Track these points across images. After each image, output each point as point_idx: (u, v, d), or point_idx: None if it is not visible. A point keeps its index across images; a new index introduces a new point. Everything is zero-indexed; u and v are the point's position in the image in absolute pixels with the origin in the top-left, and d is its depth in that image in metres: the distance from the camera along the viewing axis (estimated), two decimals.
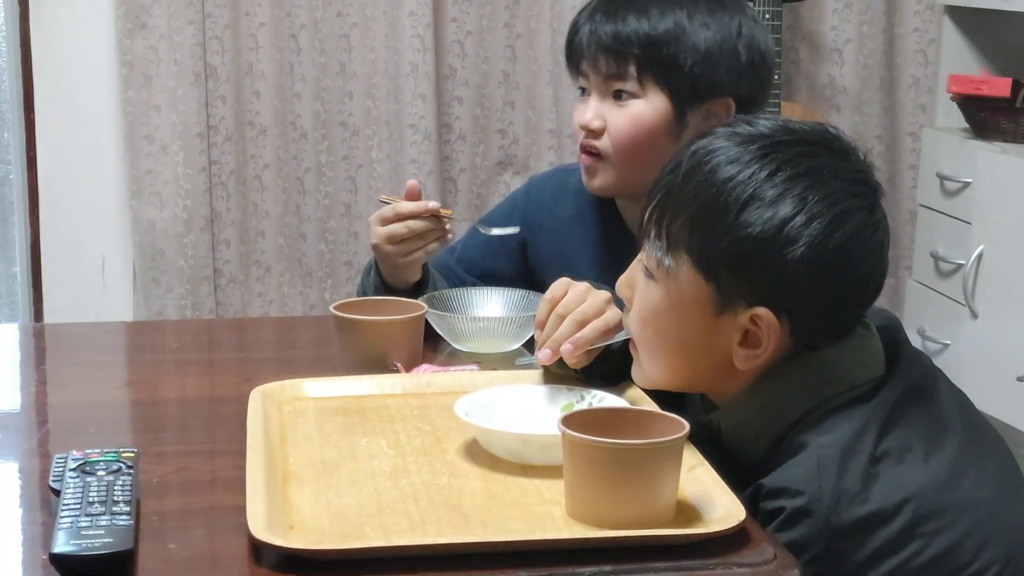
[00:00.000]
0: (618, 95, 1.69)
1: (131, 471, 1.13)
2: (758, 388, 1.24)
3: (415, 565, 1.01)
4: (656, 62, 1.66)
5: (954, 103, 3.27)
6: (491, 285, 1.80)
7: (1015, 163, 2.93)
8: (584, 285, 1.39)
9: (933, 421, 1.25)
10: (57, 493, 1.11)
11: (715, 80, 1.66)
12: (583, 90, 1.73)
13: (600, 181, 1.72)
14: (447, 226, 1.66)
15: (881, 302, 1.30)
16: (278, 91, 3.22)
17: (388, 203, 1.67)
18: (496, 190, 3.34)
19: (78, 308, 3.18)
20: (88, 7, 3.14)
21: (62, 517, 1.05)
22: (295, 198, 3.27)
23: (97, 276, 3.25)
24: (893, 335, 1.30)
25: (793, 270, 1.19)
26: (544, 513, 1.11)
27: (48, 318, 3.19)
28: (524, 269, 1.85)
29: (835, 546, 1.15)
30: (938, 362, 1.58)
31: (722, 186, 1.21)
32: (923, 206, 3.38)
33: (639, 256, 1.30)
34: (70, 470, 1.13)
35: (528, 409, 1.33)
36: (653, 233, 1.26)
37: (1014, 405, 2.80)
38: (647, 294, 1.27)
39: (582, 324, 1.35)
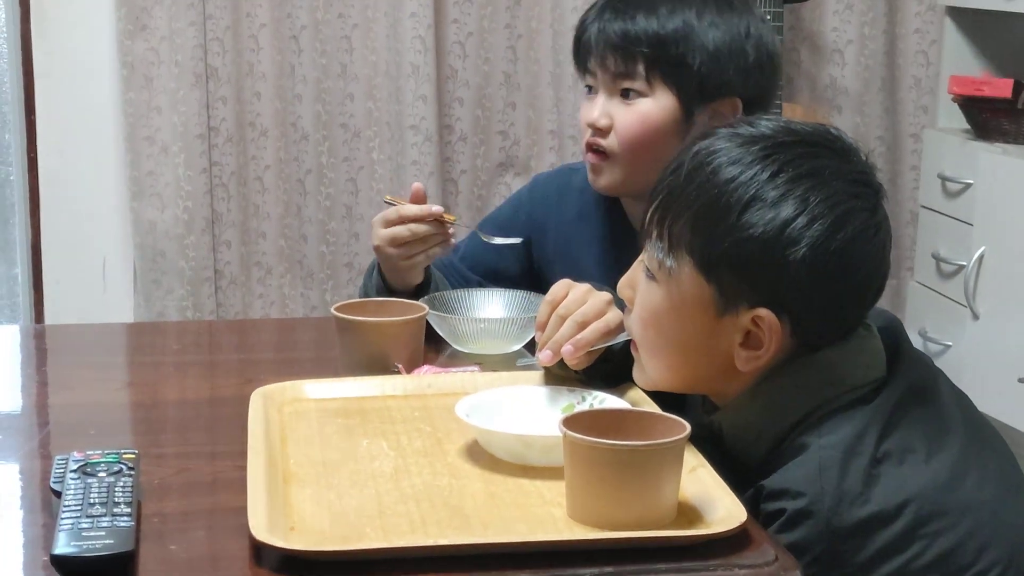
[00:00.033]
0: (625, 94, 1.69)
1: (132, 472, 1.13)
2: (759, 389, 1.24)
3: (416, 566, 1.01)
4: (665, 61, 1.66)
5: (955, 104, 3.27)
6: (495, 283, 1.80)
7: (1016, 164, 2.93)
8: (585, 286, 1.39)
9: (934, 422, 1.25)
10: (58, 494, 1.11)
11: (723, 80, 1.66)
12: (590, 88, 1.73)
13: (606, 180, 1.72)
14: (450, 231, 1.66)
15: (882, 303, 1.30)
16: (279, 92, 3.22)
17: (392, 204, 1.67)
18: (497, 191, 3.34)
19: (79, 309, 3.18)
20: (89, 8, 3.14)
21: (63, 518, 1.05)
22: (296, 199, 3.27)
23: (98, 277, 3.25)
24: (894, 336, 1.30)
25: (795, 271, 1.19)
26: (545, 514, 1.11)
27: (49, 319, 3.19)
28: (529, 268, 1.85)
29: (836, 547, 1.14)
30: (939, 363, 1.58)
31: (724, 187, 1.21)
32: (924, 207, 3.38)
33: (640, 257, 1.30)
34: (71, 471, 1.13)
35: (529, 410, 1.33)
36: (655, 234, 1.26)
37: (1015, 406, 2.80)
38: (648, 295, 1.27)
39: (583, 325, 1.35)
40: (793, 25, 3.37)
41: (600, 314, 1.36)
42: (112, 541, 1.02)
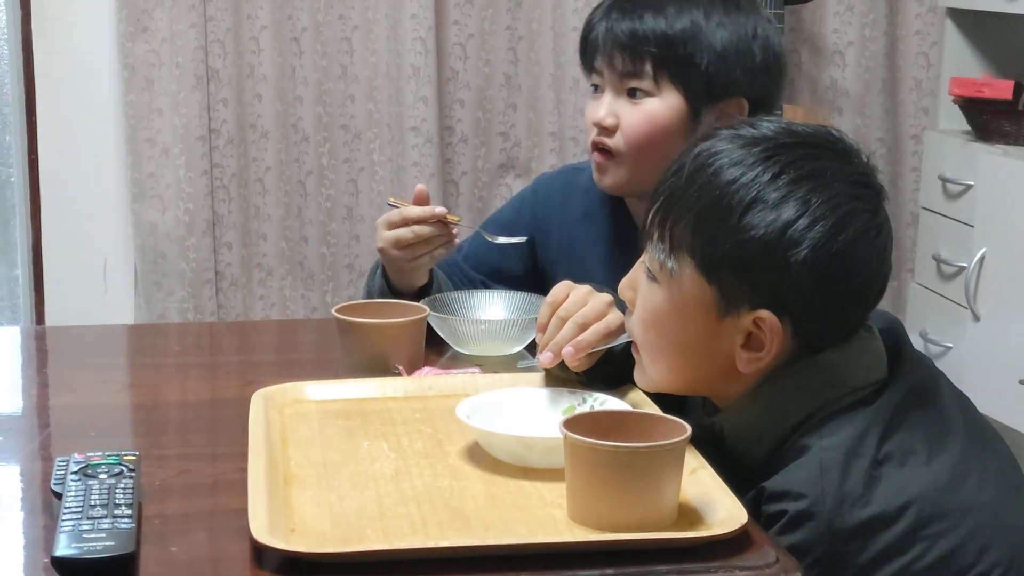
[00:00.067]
0: (632, 93, 1.69)
1: (132, 474, 1.13)
2: (760, 391, 1.24)
3: (417, 568, 1.01)
4: (673, 61, 1.66)
5: (956, 106, 3.27)
6: (499, 283, 1.80)
7: (1017, 166, 2.93)
8: (586, 288, 1.39)
9: (935, 424, 1.25)
10: (59, 496, 1.11)
11: (730, 80, 1.66)
12: (596, 87, 1.73)
13: (611, 179, 1.72)
14: (454, 232, 1.66)
15: (883, 305, 1.30)
16: (280, 94, 3.22)
17: (396, 206, 1.67)
18: (498, 193, 3.34)
19: (80, 311, 3.18)
20: (90, 10, 3.14)
21: (63, 520, 1.05)
22: (297, 201, 3.27)
23: (99, 279, 3.25)
24: (895, 338, 1.30)
25: (796, 273, 1.19)
26: (546, 516, 1.11)
27: (49, 321, 3.19)
28: (533, 267, 1.85)
29: (837, 549, 1.14)
30: (940, 365, 1.58)
31: (725, 188, 1.21)
32: (925, 209, 3.38)
33: (641, 258, 1.30)
34: (72, 473, 1.13)
35: (530, 412, 1.33)
36: (656, 235, 1.26)
37: (1016, 407, 2.80)
38: (650, 296, 1.27)
39: (584, 327, 1.35)
40: (794, 27, 3.37)
41: (601, 316, 1.36)
42: (113, 543, 1.02)
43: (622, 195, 1.77)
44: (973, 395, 1.36)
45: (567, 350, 1.35)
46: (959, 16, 3.43)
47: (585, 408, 1.32)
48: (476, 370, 1.51)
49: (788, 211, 1.19)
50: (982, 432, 1.29)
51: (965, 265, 3.05)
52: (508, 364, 1.58)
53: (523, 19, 3.30)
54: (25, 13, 3.13)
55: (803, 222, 1.19)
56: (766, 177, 1.21)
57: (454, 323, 1.61)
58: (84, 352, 1.75)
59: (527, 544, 1.04)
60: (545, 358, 1.37)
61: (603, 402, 1.32)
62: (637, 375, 1.32)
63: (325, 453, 1.25)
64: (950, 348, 3.17)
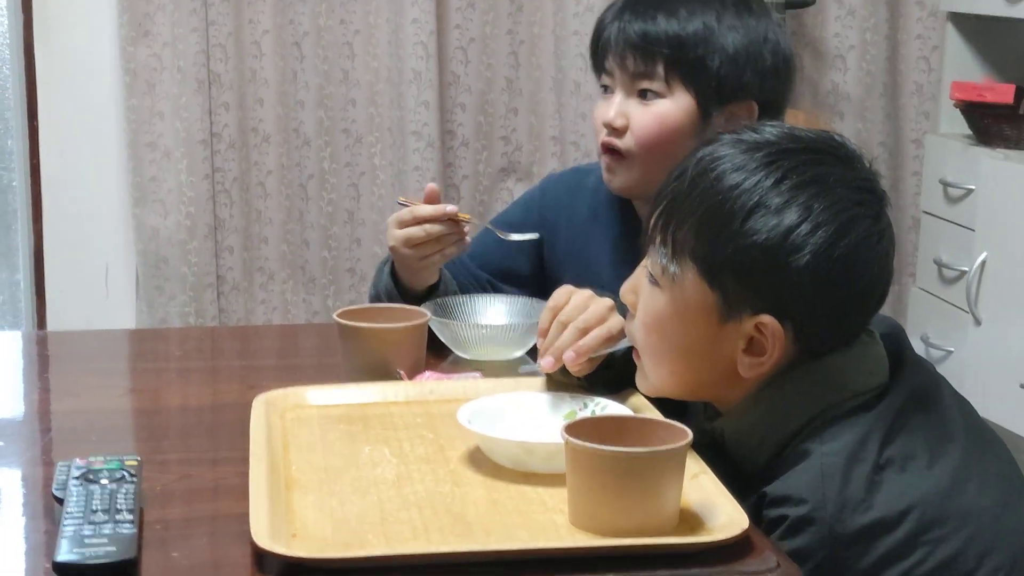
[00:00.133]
0: (643, 94, 1.69)
1: (134, 479, 1.13)
2: (762, 396, 1.24)
3: (418, 573, 1.01)
4: (684, 62, 1.66)
5: (957, 110, 3.27)
6: (506, 283, 1.81)
7: (1018, 170, 2.93)
8: (587, 292, 1.39)
9: (936, 428, 1.25)
10: (60, 501, 1.11)
11: (741, 82, 1.67)
12: (605, 88, 1.73)
13: (621, 180, 1.72)
14: (465, 230, 1.66)
15: (884, 309, 1.30)
16: (281, 98, 3.23)
17: (406, 205, 1.67)
18: (499, 197, 3.34)
19: (81, 315, 3.18)
20: (92, 14, 3.14)
21: (65, 525, 1.05)
22: (298, 205, 3.28)
23: (100, 283, 3.25)
24: (896, 342, 1.30)
25: (798, 278, 1.19)
26: (547, 521, 1.11)
27: (51, 325, 3.19)
28: (539, 267, 1.85)
29: (839, 554, 1.14)
30: (941, 369, 1.58)
31: (728, 193, 1.21)
32: (926, 213, 3.38)
33: (643, 262, 1.30)
34: (73, 478, 1.13)
35: (531, 417, 1.33)
36: (658, 239, 1.26)
37: (1017, 412, 2.80)
38: (651, 301, 1.27)
39: (584, 332, 1.35)
40: (795, 31, 3.37)
41: (602, 320, 1.36)
42: (114, 548, 1.02)
43: (631, 197, 1.77)
44: (974, 399, 1.36)
45: (568, 355, 1.35)
46: (960, 20, 3.43)
47: (586, 413, 1.32)
48: (477, 375, 1.51)
49: (790, 216, 1.19)
50: (983, 436, 1.29)
51: (966, 269, 3.05)
52: (509, 369, 1.58)
53: (524, 23, 3.30)
54: (27, 17, 3.13)
55: (805, 227, 1.19)
56: (769, 182, 1.21)
57: (455, 328, 1.61)
58: (85, 357, 1.75)
59: (528, 549, 1.04)
60: (546, 363, 1.37)
61: (604, 407, 1.32)
62: (638, 379, 1.32)
63: (326, 458, 1.25)
64: (951, 352, 3.17)
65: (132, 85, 3.13)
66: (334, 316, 1.52)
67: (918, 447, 1.21)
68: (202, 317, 3.20)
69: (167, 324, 3.16)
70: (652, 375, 1.30)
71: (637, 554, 1.04)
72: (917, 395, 1.26)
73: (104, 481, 1.12)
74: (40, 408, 1.54)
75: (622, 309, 1.35)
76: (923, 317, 3.36)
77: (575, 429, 1.11)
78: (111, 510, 1.07)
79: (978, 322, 3.01)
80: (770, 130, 1.27)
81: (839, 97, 3.42)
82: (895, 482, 1.18)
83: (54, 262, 3.21)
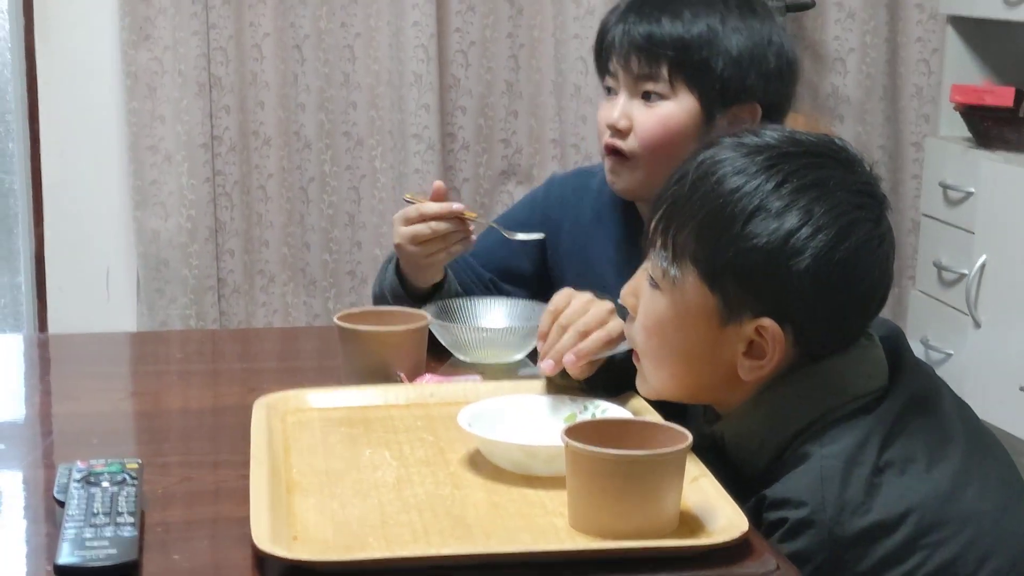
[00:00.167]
0: (647, 96, 1.69)
1: (135, 482, 1.14)
2: (762, 399, 1.25)
3: None
4: (689, 65, 1.66)
5: (957, 113, 3.27)
6: (508, 282, 1.81)
7: (1018, 173, 2.93)
8: (587, 296, 1.39)
9: (936, 432, 1.25)
10: (61, 504, 1.11)
11: (745, 85, 1.67)
12: (609, 90, 1.74)
13: (625, 182, 1.72)
14: (471, 228, 1.66)
15: (884, 312, 1.30)
16: (282, 101, 3.23)
17: (412, 202, 1.67)
18: (499, 199, 3.34)
19: (82, 318, 3.18)
20: (93, 18, 3.15)
21: (66, 528, 1.05)
22: (299, 208, 3.28)
23: (101, 286, 3.25)
24: (896, 345, 1.30)
25: (798, 281, 1.19)
26: (547, 524, 1.11)
27: (52, 328, 3.19)
28: (542, 267, 1.85)
29: (838, 557, 1.15)
30: (941, 372, 1.58)
31: (728, 197, 1.21)
32: (926, 215, 3.38)
33: (644, 265, 1.30)
34: (74, 481, 1.13)
35: (531, 420, 1.33)
36: (659, 243, 1.26)
37: (1017, 414, 2.80)
38: (652, 304, 1.27)
39: (585, 335, 1.36)
40: (795, 34, 3.37)
41: (602, 323, 1.36)
42: (115, 551, 1.02)
43: (635, 199, 1.77)
44: (974, 402, 1.36)
45: (568, 358, 1.35)
46: (960, 23, 3.43)
47: (586, 416, 1.32)
48: (477, 378, 1.51)
49: (791, 220, 1.20)
50: (983, 440, 1.30)
51: (966, 272, 3.05)
52: (509, 372, 1.58)
53: (524, 26, 3.30)
54: (28, 21, 3.13)
55: (806, 231, 1.19)
56: (769, 186, 1.21)
57: (456, 331, 1.61)
58: (86, 360, 1.75)
59: (529, 552, 1.05)
60: (546, 366, 1.38)
61: (604, 410, 1.32)
62: (639, 382, 1.32)
63: (327, 461, 1.25)
64: (951, 355, 3.17)
65: (133, 88, 3.13)
66: (334, 319, 1.52)
67: (917, 450, 1.21)
68: (203, 320, 3.20)
69: (168, 327, 3.17)
70: (652, 378, 1.30)
71: (637, 557, 1.04)
72: (916, 398, 1.26)
73: (105, 484, 1.12)
74: (41, 411, 1.54)
75: (622, 312, 1.35)
76: (923, 320, 3.36)
77: (575, 432, 1.11)
78: (112, 513, 1.07)
79: (978, 325, 3.01)
80: (771, 134, 1.27)
81: (839, 100, 3.43)
82: (894, 485, 1.18)
83: (55, 265, 3.21)
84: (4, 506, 1.21)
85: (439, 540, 1.08)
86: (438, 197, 1.66)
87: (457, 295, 1.75)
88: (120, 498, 1.10)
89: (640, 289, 1.30)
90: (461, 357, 1.63)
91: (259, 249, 3.27)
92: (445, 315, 1.65)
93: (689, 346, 1.25)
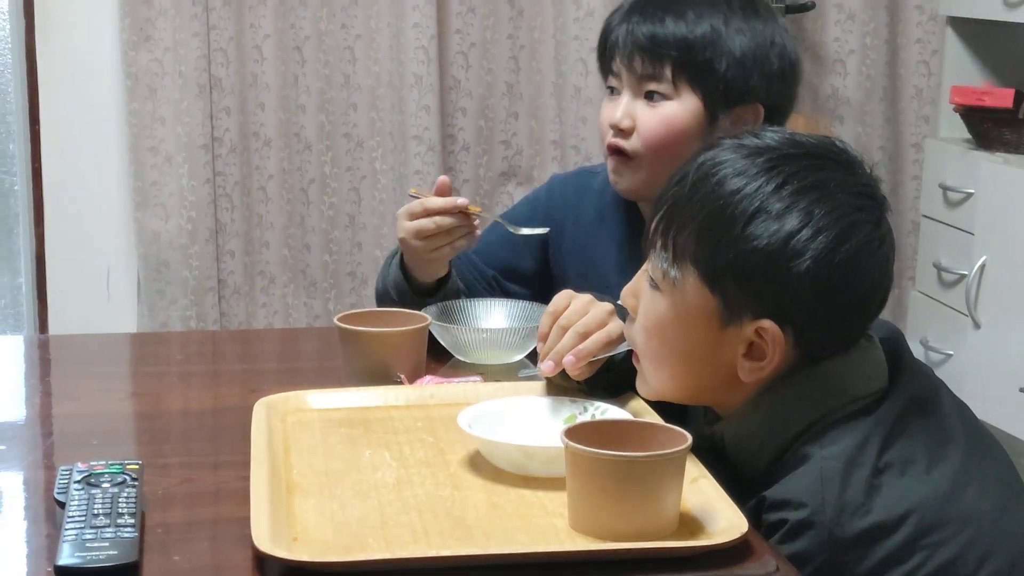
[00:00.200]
0: (650, 96, 1.69)
1: (135, 483, 1.14)
2: (762, 400, 1.25)
3: None
4: (692, 65, 1.66)
5: (957, 114, 3.27)
6: (510, 280, 1.81)
7: (1018, 174, 2.94)
8: (587, 297, 1.39)
9: (935, 433, 1.25)
10: (62, 505, 1.11)
11: (748, 86, 1.67)
12: (612, 90, 1.74)
13: (627, 182, 1.72)
14: (475, 223, 1.66)
15: (884, 313, 1.30)
16: (282, 103, 3.23)
17: (417, 197, 1.67)
18: (500, 201, 3.34)
19: (82, 319, 3.18)
20: (93, 19, 3.15)
21: (67, 529, 1.05)
22: (299, 209, 3.28)
23: (101, 287, 3.25)
24: (896, 347, 1.30)
25: (799, 283, 1.19)
26: (547, 525, 1.11)
27: (53, 329, 3.19)
28: (544, 266, 1.85)
29: (838, 558, 1.15)
30: (941, 372, 1.58)
31: (729, 198, 1.21)
32: (926, 217, 3.38)
33: (644, 266, 1.30)
34: (75, 482, 1.13)
35: (531, 421, 1.33)
36: (659, 244, 1.26)
37: (1016, 415, 2.80)
38: (652, 305, 1.27)
39: (584, 336, 1.36)
40: (795, 35, 3.35)
41: (602, 325, 1.36)
42: (116, 552, 1.02)
43: (637, 199, 1.77)
44: (973, 403, 1.37)
45: (568, 359, 1.35)
46: (960, 25, 3.44)
47: (586, 417, 1.32)
48: (477, 379, 1.51)
49: (791, 222, 1.20)
50: (982, 441, 1.30)
51: (966, 273, 3.05)
52: (509, 373, 1.58)
53: (525, 28, 3.30)
54: (29, 22, 3.14)
55: (806, 233, 1.19)
56: (770, 188, 1.21)
57: (456, 332, 1.62)
58: (87, 361, 1.75)
59: (528, 553, 1.05)
60: (546, 367, 1.38)
61: (604, 411, 1.33)
62: (638, 383, 1.32)
63: (327, 462, 1.25)
64: (951, 356, 3.17)
65: (133, 89, 3.14)
66: (335, 320, 1.52)
67: (917, 451, 1.21)
68: (203, 321, 3.20)
69: (168, 328, 3.17)
70: (652, 379, 1.30)
71: (637, 558, 1.04)
72: (916, 400, 1.26)
73: (106, 485, 1.12)
74: (42, 412, 1.55)
75: (622, 313, 1.36)
76: (923, 321, 3.36)
77: (575, 433, 1.11)
78: (112, 514, 1.07)
79: (977, 326, 3.02)
80: (771, 135, 1.27)
81: (839, 101, 3.43)
82: (894, 486, 1.18)
83: (55, 266, 3.21)
84: (4, 507, 1.22)
85: (439, 541, 1.08)
86: (442, 192, 1.66)
87: (460, 291, 1.75)
88: (120, 499, 1.10)
89: (640, 290, 1.30)
90: (461, 358, 1.63)
91: (259, 250, 3.27)
92: (445, 316, 1.65)
93: (689, 347, 1.25)
